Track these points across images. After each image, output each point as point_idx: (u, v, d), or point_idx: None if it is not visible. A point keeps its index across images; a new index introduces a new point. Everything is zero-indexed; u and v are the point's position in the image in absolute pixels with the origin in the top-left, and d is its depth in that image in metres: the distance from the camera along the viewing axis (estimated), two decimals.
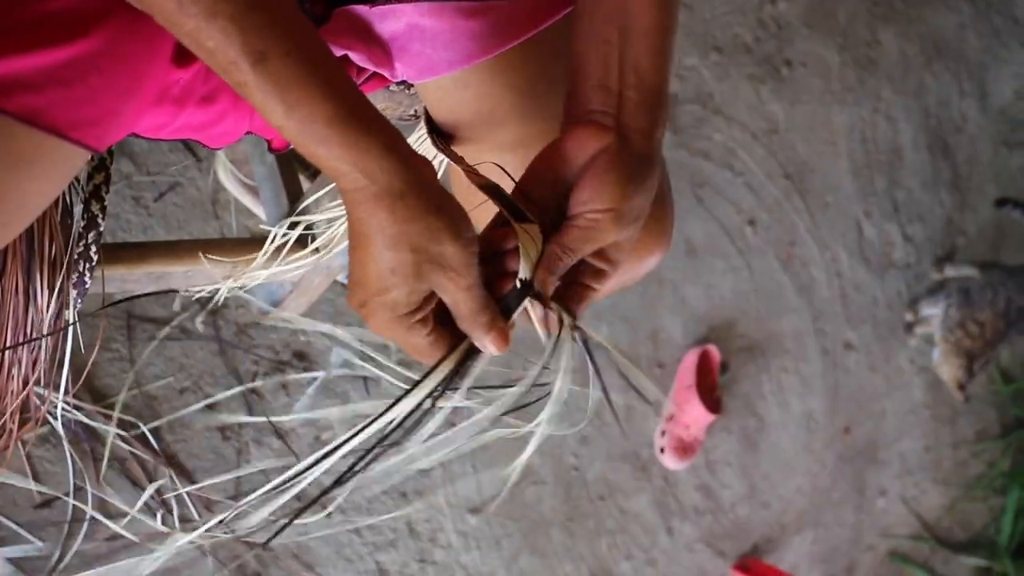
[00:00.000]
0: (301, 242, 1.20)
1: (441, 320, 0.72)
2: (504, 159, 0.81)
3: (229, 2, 0.62)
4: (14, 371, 0.92)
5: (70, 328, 0.94)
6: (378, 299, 0.70)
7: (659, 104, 0.74)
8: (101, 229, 0.94)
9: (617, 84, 0.73)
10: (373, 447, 0.71)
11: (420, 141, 1.05)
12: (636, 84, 0.73)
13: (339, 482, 0.70)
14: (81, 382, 1.27)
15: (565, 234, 0.73)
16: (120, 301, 1.03)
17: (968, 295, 2.27)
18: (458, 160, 0.79)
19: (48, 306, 0.91)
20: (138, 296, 1.03)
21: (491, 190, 0.74)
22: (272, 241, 1.17)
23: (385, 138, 0.66)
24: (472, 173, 0.76)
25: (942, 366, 2.33)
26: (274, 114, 0.64)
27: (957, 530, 2.57)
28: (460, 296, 0.70)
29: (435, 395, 0.72)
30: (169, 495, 1.48)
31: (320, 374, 1.62)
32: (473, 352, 0.73)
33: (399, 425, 0.71)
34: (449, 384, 0.72)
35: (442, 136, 0.87)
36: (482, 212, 0.75)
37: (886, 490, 2.45)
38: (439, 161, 1.02)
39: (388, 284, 0.69)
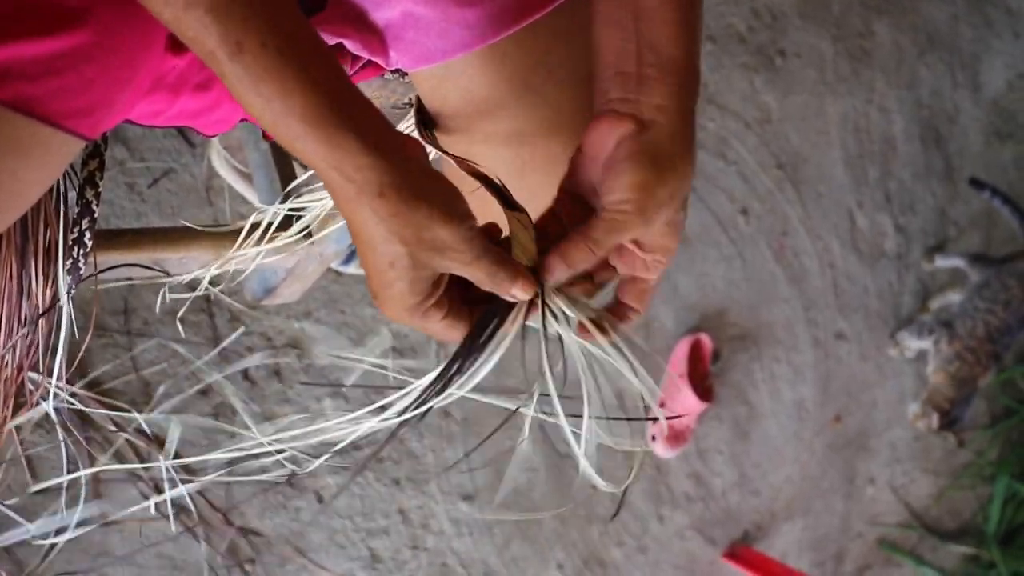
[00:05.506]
0: (291, 227, 1.20)
1: (453, 295, 0.72)
2: (498, 152, 0.81)
3: None
4: (8, 357, 0.92)
5: (64, 314, 0.95)
6: (385, 293, 0.69)
7: (683, 77, 0.71)
8: (95, 216, 0.94)
9: (635, 66, 0.71)
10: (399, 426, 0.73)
11: (408, 131, 1.05)
12: (654, 62, 0.71)
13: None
14: (75, 368, 1.27)
15: (590, 226, 0.71)
16: (104, 269, 1.03)
17: (951, 327, 2.29)
18: (444, 150, 0.79)
19: (42, 292, 0.91)
20: (128, 279, 1.03)
21: (481, 177, 0.74)
22: (253, 223, 1.15)
23: (362, 134, 0.64)
24: (461, 161, 0.76)
25: (933, 394, 2.35)
26: (251, 107, 0.63)
27: (945, 518, 2.59)
28: (470, 270, 0.69)
29: (459, 372, 0.72)
30: (163, 480, 1.48)
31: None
32: (501, 316, 0.72)
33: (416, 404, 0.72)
34: (473, 359, 0.72)
35: (429, 127, 0.87)
36: (472, 202, 0.74)
37: (875, 478, 2.46)
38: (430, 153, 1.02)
39: (389, 278, 0.68)
